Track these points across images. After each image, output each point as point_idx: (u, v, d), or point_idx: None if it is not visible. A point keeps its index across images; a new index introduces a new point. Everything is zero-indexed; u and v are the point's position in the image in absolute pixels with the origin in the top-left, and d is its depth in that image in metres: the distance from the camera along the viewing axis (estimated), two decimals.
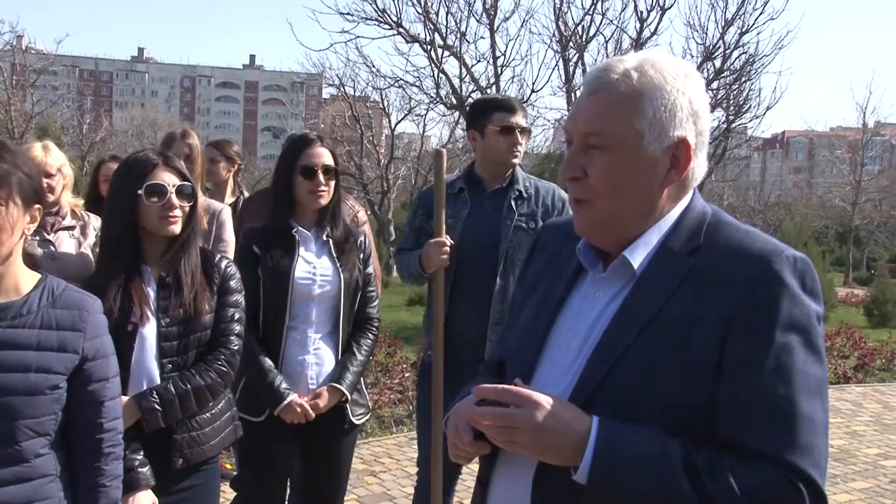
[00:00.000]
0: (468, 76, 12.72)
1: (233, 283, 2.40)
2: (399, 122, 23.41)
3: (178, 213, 2.25)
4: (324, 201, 2.82)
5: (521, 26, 13.78)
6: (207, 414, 2.34)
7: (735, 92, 12.38)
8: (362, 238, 2.96)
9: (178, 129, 4.28)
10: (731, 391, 1.20)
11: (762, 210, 37.82)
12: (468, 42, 12.56)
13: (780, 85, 29.43)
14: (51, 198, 3.23)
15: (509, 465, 1.37)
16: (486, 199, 3.24)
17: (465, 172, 3.41)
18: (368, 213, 9.42)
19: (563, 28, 11.88)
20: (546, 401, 1.23)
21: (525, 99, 12.21)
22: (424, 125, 24.46)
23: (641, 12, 11.62)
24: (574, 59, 11.92)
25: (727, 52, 11.80)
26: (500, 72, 12.55)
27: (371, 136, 24.26)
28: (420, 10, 12.21)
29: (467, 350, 3.07)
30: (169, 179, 2.25)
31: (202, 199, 3.26)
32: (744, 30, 11.66)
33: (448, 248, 3.05)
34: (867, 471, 5.42)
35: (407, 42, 12.59)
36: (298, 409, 2.68)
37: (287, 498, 3.05)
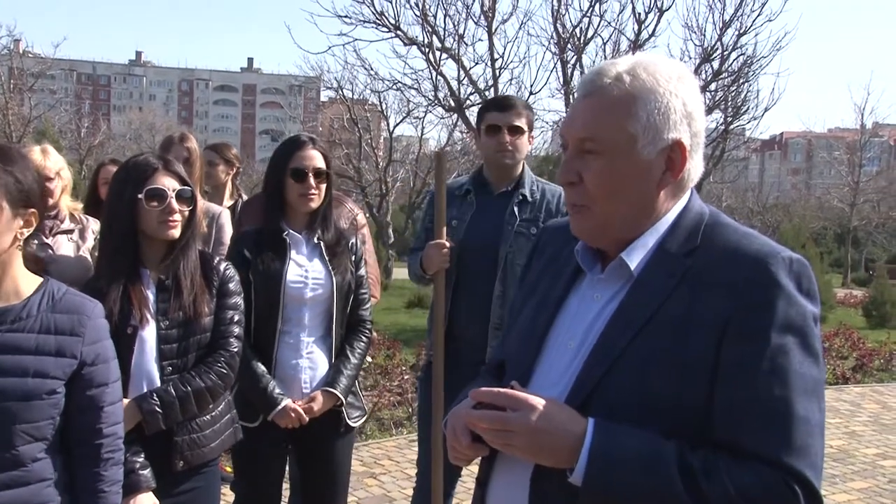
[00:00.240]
0: (466, 78, 12.76)
1: (232, 286, 2.41)
2: (397, 124, 23.48)
3: (177, 217, 2.26)
4: (314, 204, 2.77)
5: (519, 28, 13.85)
6: (208, 416, 2.34)
7: (733, 93, 12.42)
8: (354, 240, 2.92)
9: (177, 132, 4.28)
10: (727, 392, 1.20)
11: (760, 211, 37.85)
12: (466, 44, 12.60)
13: (778, 86, 29.52)
14: (50, 201, 3.23)
15: (507, 466, 1.37)
16: (492, 201, 3.19)
17: (473, 174, 3.37)
18: (367, 215, 9.42)
19: (561, 30, 11.91)
20: (541, 403, 1.24)
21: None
22: (423, 128, 24.48)
23: (639, 14, 11.67)
24: (572, 61, 11.96)
25: (725, 53, 11.84)
26: (498, 74, 12.57)
27: (369, 138, 24.29)
28: (418, 13, 12.25)
29: (468, 351, 3.06)
30: (169, 184, 2.26)
31: (201, 203, 3.26)
32: (742, 31, 11.70)
33: (448, 250, 3.03)
34: (866, 471, 5.42)
35: (405, 45, 12.62)
36: (292, 414, 2.66)
37: (287, 498, 3.04)
